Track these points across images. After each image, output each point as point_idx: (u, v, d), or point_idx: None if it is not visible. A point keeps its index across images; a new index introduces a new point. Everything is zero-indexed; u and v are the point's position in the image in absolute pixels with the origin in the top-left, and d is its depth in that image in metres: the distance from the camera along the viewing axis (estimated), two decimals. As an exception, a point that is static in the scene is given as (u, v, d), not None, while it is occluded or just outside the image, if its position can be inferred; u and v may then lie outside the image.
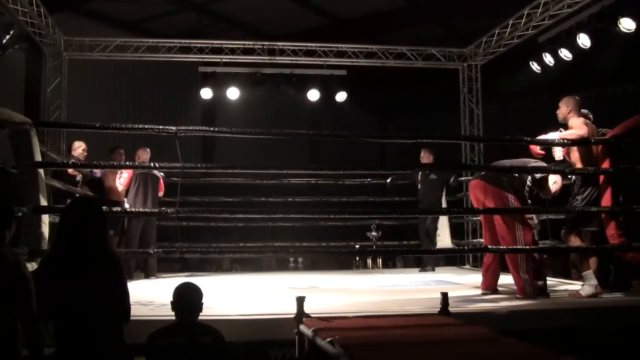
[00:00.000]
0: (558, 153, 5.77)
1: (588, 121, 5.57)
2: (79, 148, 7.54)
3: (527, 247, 5.29)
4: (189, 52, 9.92)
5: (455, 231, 9.25)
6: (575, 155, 5.57)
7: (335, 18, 12.56)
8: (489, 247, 5.53)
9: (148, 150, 7.86)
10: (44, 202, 5.11)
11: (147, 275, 7.74)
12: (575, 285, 5.93)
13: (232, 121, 11.07)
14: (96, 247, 2.97)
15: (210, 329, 3.25)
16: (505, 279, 5.82)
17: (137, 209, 7.38)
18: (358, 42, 10.54)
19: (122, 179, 7.52)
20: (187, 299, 3.29)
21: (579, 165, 5.52)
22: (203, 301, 3.33)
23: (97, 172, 7.54)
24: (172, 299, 3.29)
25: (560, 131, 5.60)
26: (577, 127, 5.41)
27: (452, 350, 2.80)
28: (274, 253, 9.54)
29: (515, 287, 5.35)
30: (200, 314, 3.51)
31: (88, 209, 3.11)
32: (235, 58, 9.96)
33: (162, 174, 7.88)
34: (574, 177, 5.69)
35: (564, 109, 5.58)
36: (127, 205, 7.47)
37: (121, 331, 3.02)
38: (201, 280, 7.35)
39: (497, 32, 9.49)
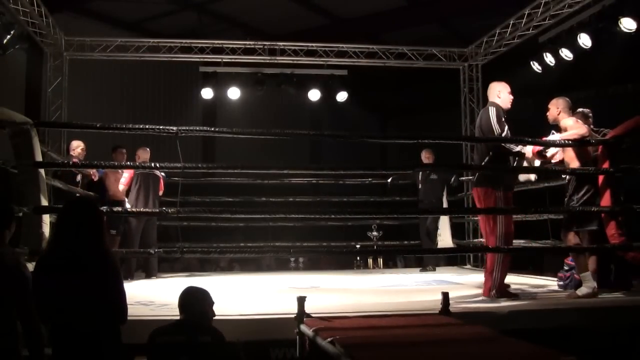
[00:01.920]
0: (558, 156, 5.71)
1: (580, 120, 5.56)
2: (77, 148, 7.54)
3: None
4: (189, 52, 9.92)
5: (456, 231, 9.25)
6: (569, 154, 5.54)
7: (336, 18, 12.56)
8: (490, 247, 5.52)
9: (148, 150, 7.86)
10: (44, 202, 5.12)
11: (149, 275, 7.75)
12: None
13: (233, 121, 11.05)
14: (92, 248, 2.95)
15: (211, 329, 3.26)
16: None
17: (138, 209, 7.38)
18: (359, 42, 10.54)
19: (122, 179, 7.54)
20: (191, 303, 3.29)
21: (573, 164, 5.50)
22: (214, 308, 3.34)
23: (95, 176, 7.53)
24: (178, 301, 3.30)
25: (553, 133, 5.59)
26: (575, 127, 5.40)
27: (453, 350, 2.81)
28: (275, 253, 9.55)
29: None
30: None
31: (84, 209, 3.08)
32: (236, 58, 9.95)
33: (162, 173, 7.88)
34: (567, 176, 5.66)
35: (553, 110, 5.57)
36: (128, 206, 7.47)
37: (118, 332, 3.00)
38: (201, 280, 7.38)
39: (497, 32, 9.49)
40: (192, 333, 3.15)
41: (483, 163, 5.42)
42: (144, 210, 7.43)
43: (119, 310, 2.99)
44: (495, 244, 5.25)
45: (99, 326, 2.91)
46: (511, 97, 5.50)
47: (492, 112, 5.33)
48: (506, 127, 5.30)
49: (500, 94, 5.49)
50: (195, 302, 3.31)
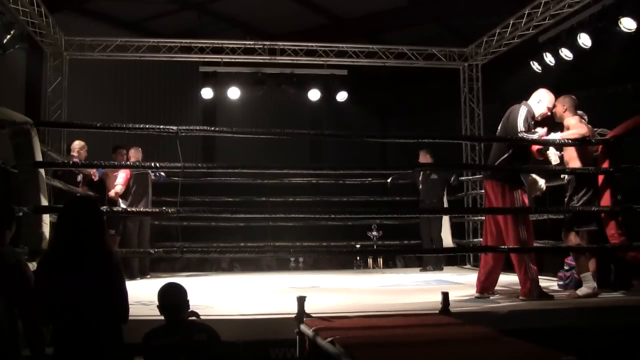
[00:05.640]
0: (554, 158, 5.69)
1: (584, 120, 5.57)
2: (79, 148, 7.52)
3: (528, 247, 5.29)
4: (189, 51, 9.91)
5: (456, 231, 9.24)
6: (571, 154, 5.54)
7: (336, 18, 12.56)
8: (489, 246, 5.51)
9: (140, 149, 7.79)
10: (44, 202, 5.11)
11: (143, 275, 7.67)
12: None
13: (233, 121, 11.10)
14: (94, 247, 2.95)
15: (204, 327, 3.25)
16: (503, 279, 5.80)
17: (136, 209, 7.37)
18: (359, 41, 10.55)
19: (120, 179, 7.51)
20: (174, 297, 3.28)
21: (573, 163, 5.49)
22: (189, 298, 3.32)
23: (95, 176, 7.51)
24: (158, 303, 3.29)
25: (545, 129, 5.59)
26: (576, 126, 5.42)
27: (453, 350, 2.81)
28: (275, 253, 9.54)
29: (520, 288, 5.28)
30: (201, 314, 3.51)
31: (85, 208, 3.07)
32: (235, 58, 9.95)
33: (152, 172, 7.82)
34: (567, 176, 5.66)
35: (559, 107, 5.58)
36: (123, 206, 7.43)
37: (120, 332, 3.00)
38: (201, 280, 7.39)
39: (497, 31, 9.49)
40: (187, 332, 3.15)
41: (501, 159, 5.41)
42: (144, 210, 7.41)
43: (121, 309, 2.99)
44: (514, 243, 5.21)
45: (101, 325, 2.91)
46: (548, 112, 5.52)
47: (523, 110, 5.36)
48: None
49: (540, 103, 5.49)
50: (176, 298, 3.29)
